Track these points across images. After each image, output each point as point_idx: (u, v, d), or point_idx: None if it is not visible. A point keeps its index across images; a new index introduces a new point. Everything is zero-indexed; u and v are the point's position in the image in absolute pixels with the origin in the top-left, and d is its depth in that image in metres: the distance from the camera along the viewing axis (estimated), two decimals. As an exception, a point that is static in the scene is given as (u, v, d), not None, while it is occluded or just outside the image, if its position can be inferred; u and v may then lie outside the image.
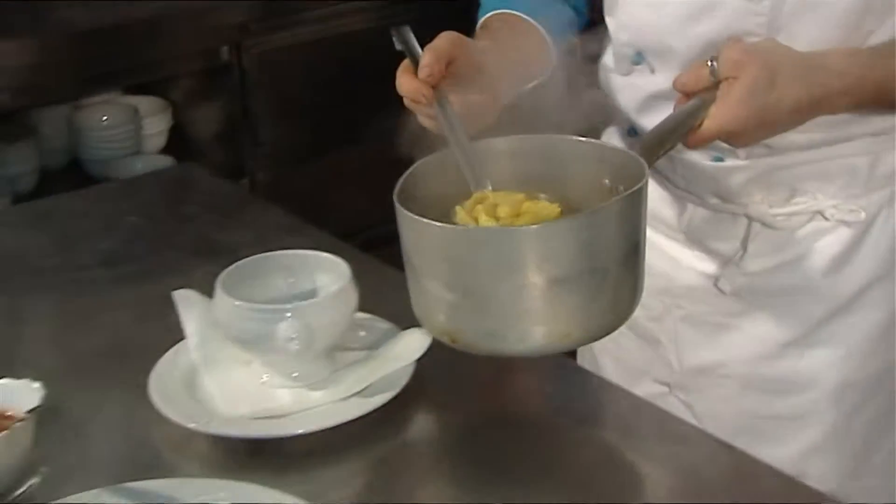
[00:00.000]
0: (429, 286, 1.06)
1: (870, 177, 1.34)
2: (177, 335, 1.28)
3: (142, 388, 1.21)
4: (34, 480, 1.06)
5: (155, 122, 2.79)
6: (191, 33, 2.64)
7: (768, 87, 1.13)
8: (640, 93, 1.36)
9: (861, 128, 1.30)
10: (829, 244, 1.35)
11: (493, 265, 1.01)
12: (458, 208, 1.12)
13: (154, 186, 1.82)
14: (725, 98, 1.13)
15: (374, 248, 1.45)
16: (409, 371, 1.21)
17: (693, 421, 1.40)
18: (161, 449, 1.17)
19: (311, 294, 1.27)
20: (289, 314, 1.18)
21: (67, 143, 2.73)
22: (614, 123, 1.46)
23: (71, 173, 2.72)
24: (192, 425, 1.16)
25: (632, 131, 1.40)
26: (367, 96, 2.29)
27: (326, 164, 2.87)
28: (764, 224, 1.35)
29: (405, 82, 1.17)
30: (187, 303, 1.29)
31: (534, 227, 1.04)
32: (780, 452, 1.36)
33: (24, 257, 1.58)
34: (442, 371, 1.23)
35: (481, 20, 1.38)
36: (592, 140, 1.17)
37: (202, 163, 2.59)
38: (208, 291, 1.25)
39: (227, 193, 1.78)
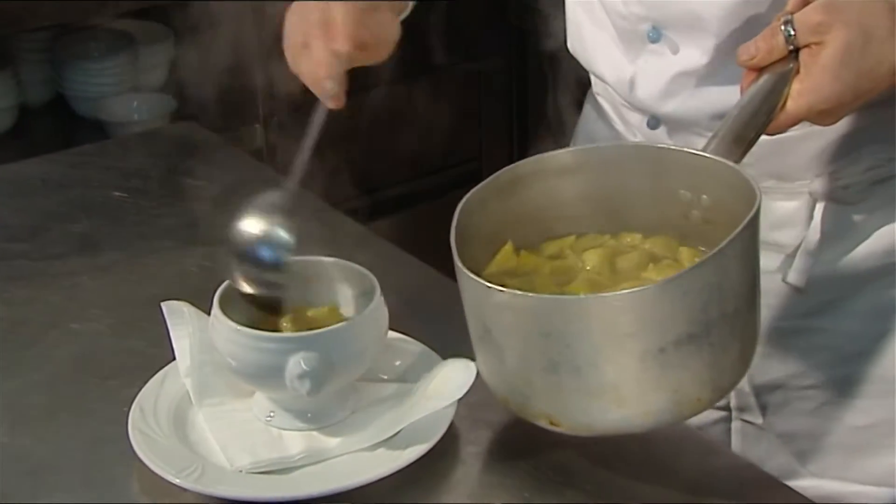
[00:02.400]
0: (519, 365, 0.99)
1: None
2: (165, 351, 1.17)
3: (120, 421, 1.10)
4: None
5: (154, 54, 2.66)
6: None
7: (863, 51, 1.03)
8: (661, 77, 1.26)
9: None
10: None
11: (610, 336, 0.95)
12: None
13: (145, 151, 1.71)
14: (812, 70, 1.03)
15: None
16: (450, 414, 1.10)
17: (767, 446, 1.36)
18: (142, 506, 1.07)
19: (331, 312, 1.17)
20: (302, 344, 1.07)
21: (50, 75, 2.61)
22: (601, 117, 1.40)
23: (54, 111, 2.62)
24: (177, 480, 1.04)
25: (653, 122, 1.31)
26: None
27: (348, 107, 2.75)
28: (832, 200, 1.26)
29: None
30: (178, 317, 1.19)
31: (658, 284, 0.96)
32: (887, 463, 1.32)
33: (-18, 241, 1.48)
34: (484, 410, 1.12)
35: None
36: (664, 145, 1.13)
37: (208, 105, 2.47)
38: (205, 292, 1.14)
39: (234, 161, 1.67)
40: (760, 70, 1.05)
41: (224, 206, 1.46)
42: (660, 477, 1.09)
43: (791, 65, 1.04)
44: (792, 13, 1.05)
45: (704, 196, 1.04)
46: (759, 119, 1.04)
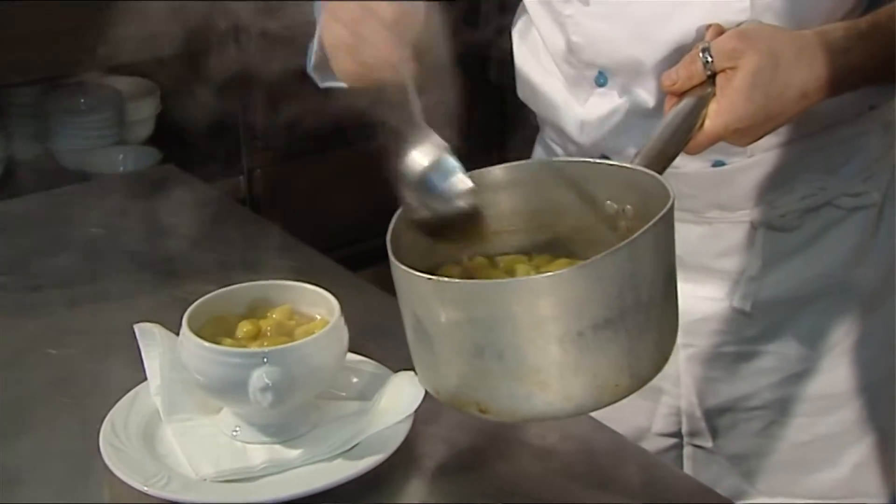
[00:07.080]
0: (447, 353, 1.05)
1: (878, 154, 1.35)
2: (138, 374, 1.24)
3: (93, 438, 1.17)
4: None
5: (140, 108, 2.75)
6: (183, 6, 2.59)
7: (772, 75, 1.13)
8: (611, 118, 1.34)
9: (864, 102, 1.31)
10: (846, 234, 1.36)
11: (530, 319, 1.00)
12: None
13: (125, 192, 1.79)
14: (726, 92, 1.13)
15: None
16: (405, 428, 1.18)
17: (717, 468, 1.41)
18: (113, 515, 1.14)
19: (295, 333, 1.24)
20: (265, 359, 1.14)
21: (39, 129, 2.69)
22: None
23: (43, 165, 2.69)
24: (145, 488, 1.12)
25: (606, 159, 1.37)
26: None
27: (334, 158, 2.83)
28: (771, 227, 1.34)
29: None
30: (150, 338, 1.26)
31: (574, 268, 1.02)
32: (829, 477, 1.39)
33: (-35, 275, 1.55)
34: (440, 426, 1.19)
35: None
36: (590, 160, 1.17)
37: (193, 157, 2.55)
38: (177, 320, 1.21)
39: (212, 202, 1.74)
40: (682, 94, 1.15)
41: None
42: (608, 494, 1.16)
43: (709, 89, 1.14)
44: (709, 41, 1.15)
45: (629, 206, 1.10)
46: (679, 137, 1.13)
